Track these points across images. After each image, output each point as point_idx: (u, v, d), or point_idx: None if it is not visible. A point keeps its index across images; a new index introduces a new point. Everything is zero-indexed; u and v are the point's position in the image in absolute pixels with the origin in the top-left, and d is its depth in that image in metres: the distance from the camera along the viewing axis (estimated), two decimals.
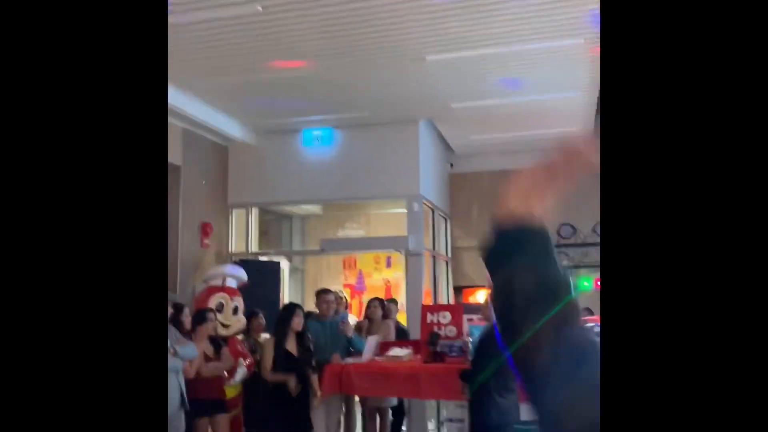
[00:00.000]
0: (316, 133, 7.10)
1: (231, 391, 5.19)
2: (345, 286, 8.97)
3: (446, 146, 8.10)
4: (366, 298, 8.80)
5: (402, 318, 6.70)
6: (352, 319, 6.57)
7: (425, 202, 6.99)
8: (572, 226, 6.89)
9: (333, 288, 6.28)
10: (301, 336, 4.54)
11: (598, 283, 5.05)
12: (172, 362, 4.11)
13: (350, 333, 5.21)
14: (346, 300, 6.31)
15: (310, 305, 6.68)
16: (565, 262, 6.76)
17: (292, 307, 4.59)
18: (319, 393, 4.56)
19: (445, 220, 8.32)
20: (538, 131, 7.40)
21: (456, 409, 4.66)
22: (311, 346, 4.72)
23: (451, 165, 8.41)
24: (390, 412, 5.64)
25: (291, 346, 4.51)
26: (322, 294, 5.39)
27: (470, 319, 5.10)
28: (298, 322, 4.48)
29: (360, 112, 6.62)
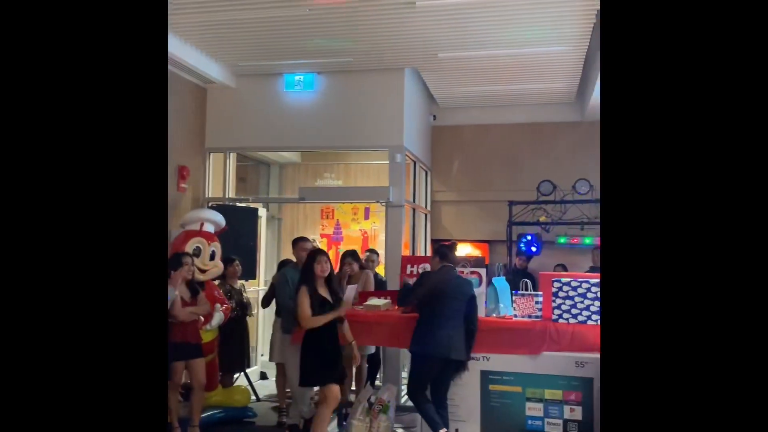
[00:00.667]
0: (298, 77, 6.90)
1: (207, 335, 5.18)
2: (322, 236, 8.93)
3: (430, 97, 7.98)
4: (343, 248, 8.79)
5: (380, 269, 6.70)
6: None
7: (407, 153, 6.90)
8: (552, 183, 6.90)
9: (310, 237, 6.23)
10: (329, 282, 4.38)
11: (574, 240, 5.10)
12: None
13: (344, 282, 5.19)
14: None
15: (287, 254, 6.63)
16: (543, 218, 6.79)
17: (314, 254, 4.38)
18: (352, 340, 4.45)
19: (426, 172, 8.27)
20: (522, 85, 7.32)
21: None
22: (340, 293, 4.58)
23: (434, 117, 8.31)
24: (366, 360, 5.69)
25: (323, 292, 4.35)
26: (299, 242, 5.33)
27: (456, 269, 5.11)
28: (320, 269, 4.28)
29: (344, 58, 6.43)
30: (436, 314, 4.33)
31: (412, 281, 5.13)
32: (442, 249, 4.77)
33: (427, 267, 5.25)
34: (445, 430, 4.30)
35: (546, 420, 4.44)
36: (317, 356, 4.22)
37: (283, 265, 5.66)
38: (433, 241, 8.41)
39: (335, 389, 4.25)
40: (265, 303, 5.91)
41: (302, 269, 4.46)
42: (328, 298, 4.32)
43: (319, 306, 4.25)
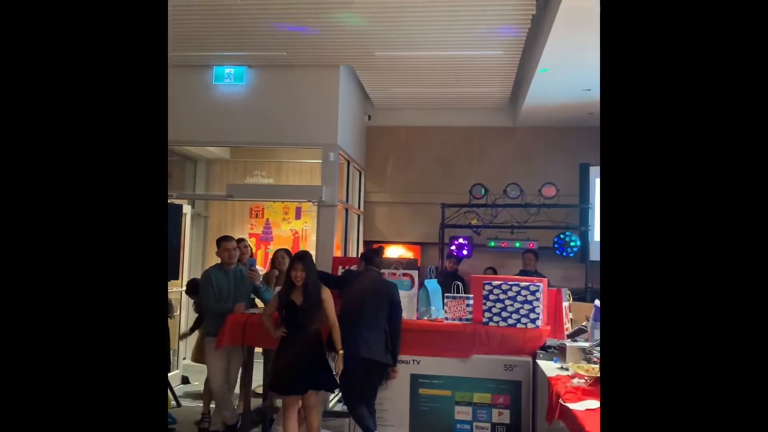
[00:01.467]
0: (228, 70, 6.65)
1: None
2: (251, 235, 8.67)
3: (366, 97, 7.89)
4: (272, 248, 8.56)
5: None
6: (260, 270, 6.32)
7: (341, 152, 6.78)
8: (484, 187, 6.96)
9: (237, 236, 5.99)
10: (305, 288, 4.11)
11: (504, 244, 5.13)
12: None
13: (258, 281, 4.99)
14: (251, 249, 6.04)
15: (213, 253, 6.36)
16: (474, 221, 6.83)
17: (291, 261, 4.18)
18: (340, 350, 4.16)
19: (360, 172, 8.17)
20: (458, 89, 7.36)
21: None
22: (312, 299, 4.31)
23: (369, 117, 8.23)
24: None
25: (296, 297, 4.09)
26: (223, 241, 5.09)
27: (382, 273, 5.03)
28: (293, 276, 4.05)
29: (278, 51, 6.24)
30: (358, 316, 4.24)
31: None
32: (368, 253, 4.75)
33: None
34: None
35: (474, 424, 4.43)
36: (280, 362, 4.09)
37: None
38: (365, 243, 8.33)
39: (311, 397, 4.12)
40: (190, 291, 5.67)
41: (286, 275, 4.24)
42: (298, 303, 4.08)
43: (289, 312, 4.11)
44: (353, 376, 4.24)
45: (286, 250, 5.88)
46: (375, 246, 5.02)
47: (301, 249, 7.39)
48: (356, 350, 4.17)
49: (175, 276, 6.47)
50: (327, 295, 4.12)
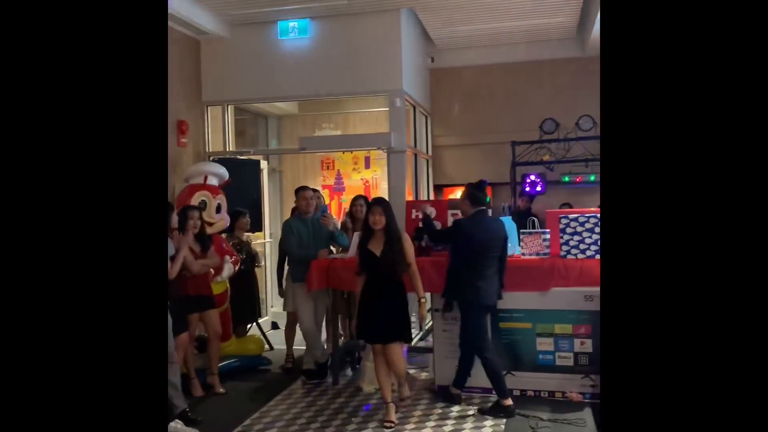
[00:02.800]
0: (292, 24, 6.73)
1: (218, 287, 5.23)
2: (323, 187, 8.90)
3: (428, 39, 7.81)
4: (345, 198, 8.79)
5: None
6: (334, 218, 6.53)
7: (407, 98, 6.81)
8: (555, 121, 6.82)
9: (312, 188, 6.19)
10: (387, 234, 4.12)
11: (578, 178, 5.06)
12: None
13: (331, 226, 5.18)
14: (323, 198, 6.24)
15: (289, 206, 6.63)
16: (547, 157, 6.75)
17: (368, 207, 4.21)
18: (422, 297, 4.23)
19: (426, 117, 8.17)
20: (522, 22, 7.15)
21: (441, 300, 4.77)
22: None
23: (432, 59, 8.15)
24: None
25: (374, 246, 4.10)
26: (300, 191, 5.31)
27: (455, 214, 5.12)
28: (372, 221, 4.08)
29: (338, 0, 6.25)
30: (481, 264, 4.28)
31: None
32: (473, 192, 4.44)
33: (433, 211, 5.25)
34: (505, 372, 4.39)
35: (557, 354, 4.53)
36: (364, 312, 4.16)
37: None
38: (436, 187, 8.40)
39: (395, 346, 4.12)
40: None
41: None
42: (377, 252, 4.07)
43: (366, 260, 4.12)
44: (483, 320, 4.33)
45: (364, 197, 6.05)
46: (474, 183, 4.52)
47: (373, 197, 7.52)
48: (484, 298, 4.27)
49: (259, 228, 6.81)
50: (408, 242, 4.13)
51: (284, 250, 5.46)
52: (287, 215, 6.13)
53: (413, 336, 6.14)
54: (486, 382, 4.39)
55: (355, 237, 5.30)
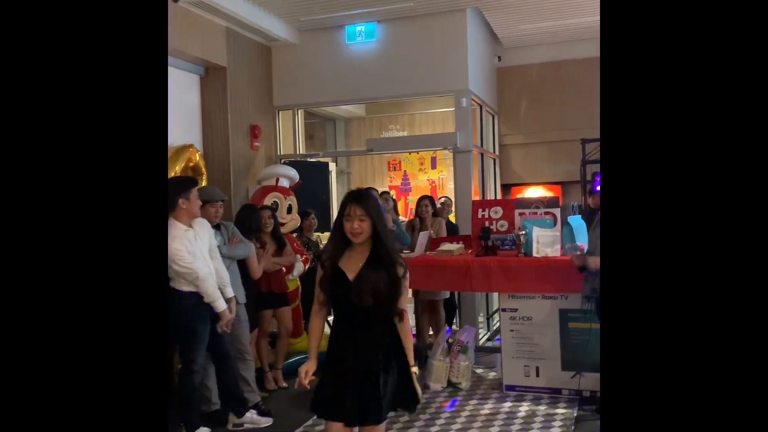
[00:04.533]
0: (359, 28, 6.87)
1: (290, 285, 5.41)
2: (390, 187, 9.01)
3: (494, 37, 7.76)
4: (412, 198, 8.86)
5: (451, 216, 6.73)
6: (402, 219, 6.62)
7: (473, 97, 6.80)
8: None
9: (380, 190, 6.31)
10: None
11: None
12: (225, 260, 4.21)
13: (389, 224, 5.25)
14: (393, 201, 6.31)
15: None
16: None
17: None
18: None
19: (493, 116, 8.12)
20: (590, 18, 6.98)
21: (509, 300, 4.75)
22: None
23: (499, 58, 8.09)
24: (442, 305, 5.80)
25: None
26: None
27: (522, 213, 5.08)
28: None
29: (405, 3, 6.33)
30: None
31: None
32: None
33: (500, 210, 5.23)
34: None
35: None
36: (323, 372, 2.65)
37: None
38: (503, 186, 8.32)
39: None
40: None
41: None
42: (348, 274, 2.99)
43: (331, 285, 2.71)
44: None
45: (429, 198, 6.10)
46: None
47: (441, 198, 7.53)
48: None
49: (327, 228, 6.98)
50: (405, 268, 2.53)
51: None
52: None
53: (480, 337, 6.13)
54: (553, 382, 4.33)
55: (422, 236, 5.37)
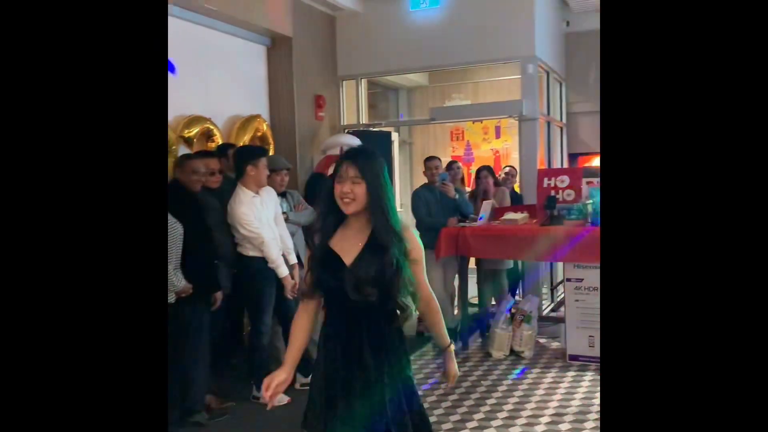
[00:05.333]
0: None
1: None
2: (453, 157, 8.94)
3: (562, 2, 7.49)
4: (474, 169, 8.78)
5: (516, 187, 6.65)
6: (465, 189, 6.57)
7: (540, 64, 6.61)
8: None
9: (445, 160, 6.26)
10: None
11: None
12: (289, 226, 4.34)
13: (451, 193, 5.24)
14: (462, 171, 6.25)
15: (419, 177, 6.76)
16: None
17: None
18: None
19: (560, 83, 7.89)
20: None
21: (574, 270, 4.67)
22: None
23: (567, 23, 7.81)
24: (505, 274, 5.77)
25: None
26: (428, 161, 5.44)
27: (590, 182, 4.96)
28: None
29: None
30: None
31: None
32: None
33: (566, 179, 5.14)
34: None
35: None
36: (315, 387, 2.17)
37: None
38: (570, 156, 8.11)
39: None
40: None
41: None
42: (345, 259, 2.31)
43: (324, 272, 2.11)
44: None
45: (488, 167, 6.04)
46: None
47: (505, 167, 7.43)
48: None
49: None
50: (414, 243, 2.02)
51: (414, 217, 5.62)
52: (416, 185, 6.27)
53: (543, 308, 6.07)
54: None
55: (485, 205, 5.33)
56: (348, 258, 1.93)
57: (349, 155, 1.98)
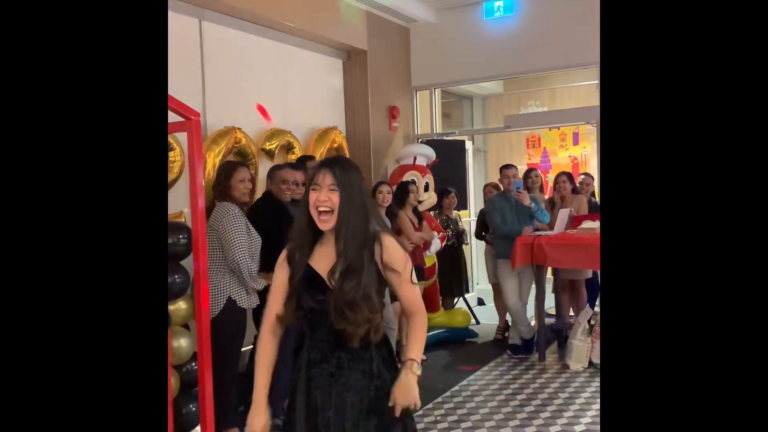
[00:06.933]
0: (497, 3, 6.76)
1: (427, 261, 5.56)
2: (529, 165, 8.81)
3: None
4: (551, 177, 8.60)
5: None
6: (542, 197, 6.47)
7: None
8: None
9: (520, 167, 6.20)
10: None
11: None
12: None
13: (526, 201, 5.16)
14: (541, 178, 6.15)
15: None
16: None
17: None
18: None
19: None
20: None
21: None
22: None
23: None
24: (584, 284, 5.63)
25: None
26: (504, 169, 5.39)
27: None
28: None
29: None
30: None
31: None
32: None
33: None
34: None
35: None
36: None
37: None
38: None
39: None
40: (478, 235, 6.09)
41: None
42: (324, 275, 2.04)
43: (303, 290, 1.97)
44: None
45: (567, 173, 5.92)
46: None
47: (584, 172, 7.25)
48: None
49: (464, 206, 7.03)
50: (394, 249, 1.84)
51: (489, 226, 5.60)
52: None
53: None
54: None
55: (562, 213, 5.23)
56: (327, 276, 1.79)
57: (327, 163, 1.83)
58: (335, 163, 1.82)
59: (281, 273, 1.85)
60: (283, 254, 1.86)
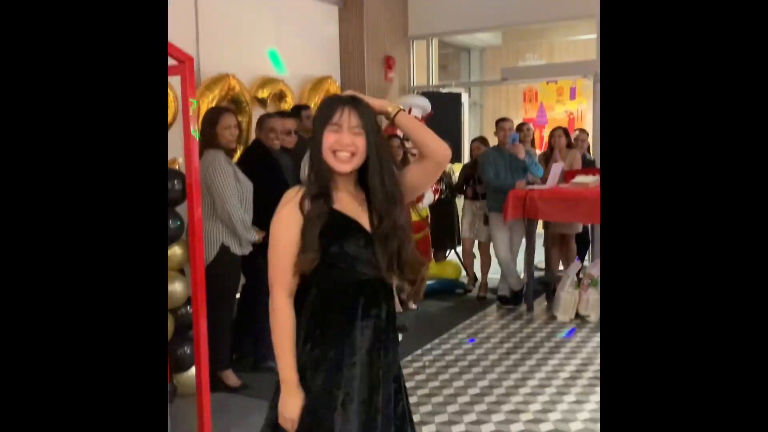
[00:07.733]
0: None
1: (416, 215, 5.59)
2: (525, 119, 8.77)
3: None
4: (547, 131, 8.58)
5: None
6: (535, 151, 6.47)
7: None
8: None
9: (516, 122, 6.16)
10: None
11: None
12: None
13: (521, 154, 5.17)
14: (533, 132, 6.14)
15: (489, 138, 6.69)
16: None
17: None
18: None
19: None
20: None
21: None
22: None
23: None
24: (574, 239, 5.69)
25: None
26: (500, 122, 5.38)
27: None
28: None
29: None
30: None
31: None
32: None
33: None
34: None
35: None
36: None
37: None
38: None
39: None
40: (459, 188, 6.06)
41: None
42: (363, 222, 1.90)
43: (335, 240, 1.76)
44: None
45: (563, 128, 5.91)
46: None
47: (578, 128, 7.23)
48: None
49: (458, 159, 7.02)
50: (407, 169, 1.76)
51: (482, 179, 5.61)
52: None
53: None
54: None
55: (554, 167, 5.24)
56: (364, 221, 1.59)
57: (348, 101, 1.56)
58: (358, 102, 1.57)
59: (293, 224, 1.55)
60: (294, 204, 1.57)
